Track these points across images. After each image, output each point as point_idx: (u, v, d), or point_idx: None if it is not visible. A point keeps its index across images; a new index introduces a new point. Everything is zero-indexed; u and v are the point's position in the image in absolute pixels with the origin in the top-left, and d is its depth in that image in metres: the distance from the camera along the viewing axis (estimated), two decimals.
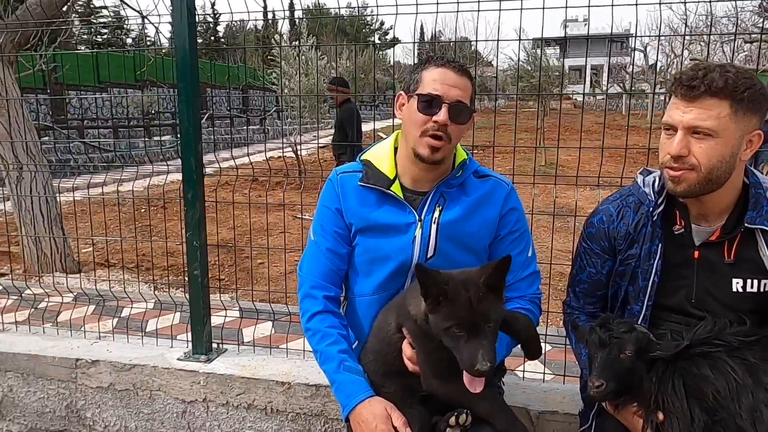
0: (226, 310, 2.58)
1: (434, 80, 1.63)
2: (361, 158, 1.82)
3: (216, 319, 2.62)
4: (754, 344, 1.43)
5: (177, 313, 2.87)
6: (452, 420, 1.49)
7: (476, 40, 2.01)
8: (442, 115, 1.61)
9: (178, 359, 2.36)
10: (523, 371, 2.26)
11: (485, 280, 1.40)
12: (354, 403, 1.56)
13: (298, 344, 2.37)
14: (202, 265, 2.33)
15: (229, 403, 2.25)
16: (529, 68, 15.73)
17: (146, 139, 14.78)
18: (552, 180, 2.48)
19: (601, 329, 1.51)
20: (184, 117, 2.25)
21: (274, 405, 2.20)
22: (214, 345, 2.46)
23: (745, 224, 1.50)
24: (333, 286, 1.78)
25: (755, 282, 1.54)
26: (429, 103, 1.62)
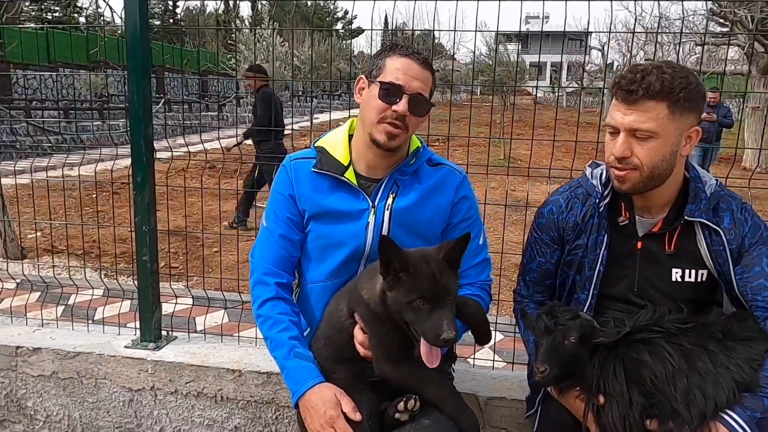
0: (177, 297, 2.52)
1: (397, 69, 1.62)
2: (316, 145, 1.80)
3: (168, 307, 2.57)
4: (689, 331, 1.49)
5: (127, 301, 2.79)
6: (401, 405, 1.50)
7: (433, 30, 2.01)
8: (401, 105, 1.61)
9: (126, 347, 2.30)
10: (474, 359, 2.30)
11: (445, 255, 1.46)
12: (303, 390, 1.56)
13: (251, 333, 2.34)
14: (152, 250, 2.27)
15: (177, 392, 2.21)
16: (491, 63, 15.91)
17: (99, 122, 14.27)
18: (506, 172, 2.52)
19: (547, 317, 1.55)
20: (133, 98, 2.18)
21: (225, 393, 2.17)
22: (164, 333, 2.41)
23: (685, 217, 1.56)
24: (285, 273, 1.77)
25: (693, 272, 1.61)
26: (390, 92, 1.61)
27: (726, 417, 1.36)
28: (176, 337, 2.40)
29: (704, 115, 9.73)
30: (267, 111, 6.53)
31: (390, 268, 1.42)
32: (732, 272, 1.54)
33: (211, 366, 2.18)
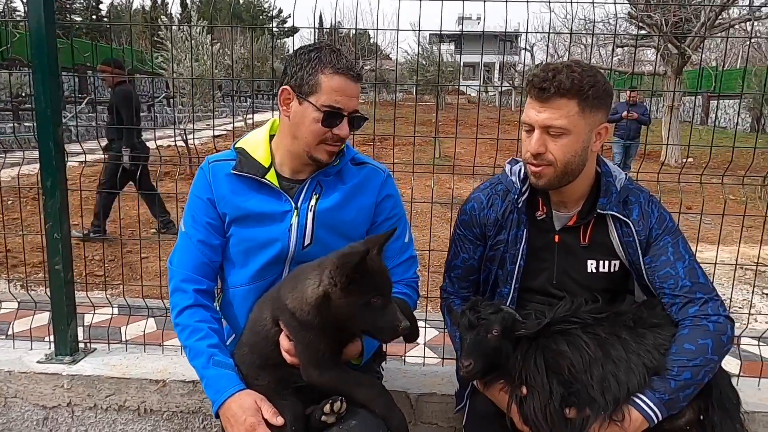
0: (95, 307, 2.39)
1: (335, 91, 1.56)
2: (236, 146, 1.75)
3: (90, 318, 2.44)
4: (604, 320, 1.56)
5: (44, 314, 2.62)
6: (327, 407, 1.49)
7: (356, 28, 2.01)
8: (344, 129, 1.59)
9: (38, 362, 2.16)
10: (404, 356, 2.31)
11: (378, 250, 1.47)
12: (223, 398, 1.52)
13: (177, 341, 2.25)
14: (65, 259, 2.15)
15: (97, 406, 2.09)
16: (424, 62, 16.17)
17: (15, 123, 13.40)
18: (436, 170, 2.55)
19: (470, 312, 1.57)
20: (40, 97, 2.05)
21: (148, 405, 2.08)
22: (82, 345, 2.28)
23: (598, 210, 1.62)
24: (205, 279, 1.71)
25: (606, 263, 1.68)
26: (332, 116, 1.57)
27: (637, 400, 1.43)
28: (95, 349, 2.28)
29: (624, 113, 10.23)
30: (130, 111, 5.91)
31: (353, 276, 1.39)
32: (641, 262, 1.61)
33: (133, 377, 2.08)
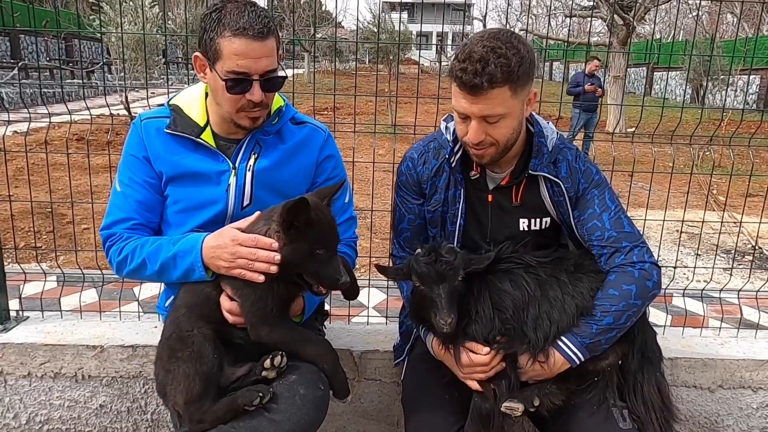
0: (26, 275, 2.30)
1: (236, 55, 1.47)
2: (170, 103, 1.70)
3: (22, 287, 2.35)
4: (547, 264, 1.61)
5: None
6: (267, 363, 1.49)
7: None
8: (256, 95, 1.52)
9: None
10: (348, 315, 2.34)
11: (328, 202, 1.48)
12: (199, 246, 1.51)
13: (116, 310, 2.20)
14: None
15: (31, 374, 2.04)
16: (375, 30, 16.00)
17: None
18: (380, 134, 2.55)
19: (434, 262, 1.49)
20: None
21: (86, 371, 2.04)
22: (14, 314, 2.20)
23: (529, 171, 1.65)
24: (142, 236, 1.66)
25: (537, 220, 1.71)
26: (237, 83, 1.50)
27: (560, 343, 1.51)
28: (28, 317, 2.21)
29: (588, 86, 10.35)
30: None
31: (295, 223, 1.39)
32: (571, 217, 1.66)
33: (69, 344, 2.03)
